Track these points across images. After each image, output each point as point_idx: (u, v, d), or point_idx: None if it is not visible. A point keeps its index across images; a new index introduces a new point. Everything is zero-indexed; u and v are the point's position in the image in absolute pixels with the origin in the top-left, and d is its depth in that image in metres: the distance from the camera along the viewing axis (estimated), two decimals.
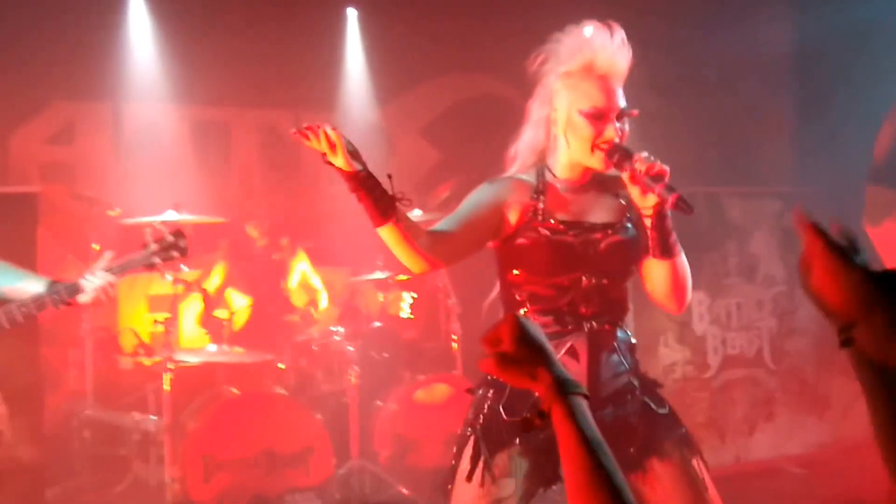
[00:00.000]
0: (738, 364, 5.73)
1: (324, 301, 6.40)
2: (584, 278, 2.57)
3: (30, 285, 3.21)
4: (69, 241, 6.21)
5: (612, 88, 2.54)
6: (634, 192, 2.45)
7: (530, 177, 2.65)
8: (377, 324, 5.88)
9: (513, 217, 2.59)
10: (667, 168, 2.37)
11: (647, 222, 2.50)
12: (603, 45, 2.53)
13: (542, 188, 2.62)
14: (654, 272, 2.58)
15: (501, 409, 2.52)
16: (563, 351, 2.50)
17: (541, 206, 2.60)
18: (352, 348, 5.42)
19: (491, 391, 2.58)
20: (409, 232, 2.44)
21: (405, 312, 6.13)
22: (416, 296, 6.22)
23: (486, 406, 2.56)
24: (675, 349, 5.51)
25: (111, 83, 6.68)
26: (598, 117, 2.51)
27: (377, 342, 5.74)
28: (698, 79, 6.89)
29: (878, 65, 5.51)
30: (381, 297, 6.04)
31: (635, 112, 2.56)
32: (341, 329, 5.56)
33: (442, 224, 2.59)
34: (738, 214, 5.74)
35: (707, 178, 5.87)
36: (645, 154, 2.40)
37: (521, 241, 2.59)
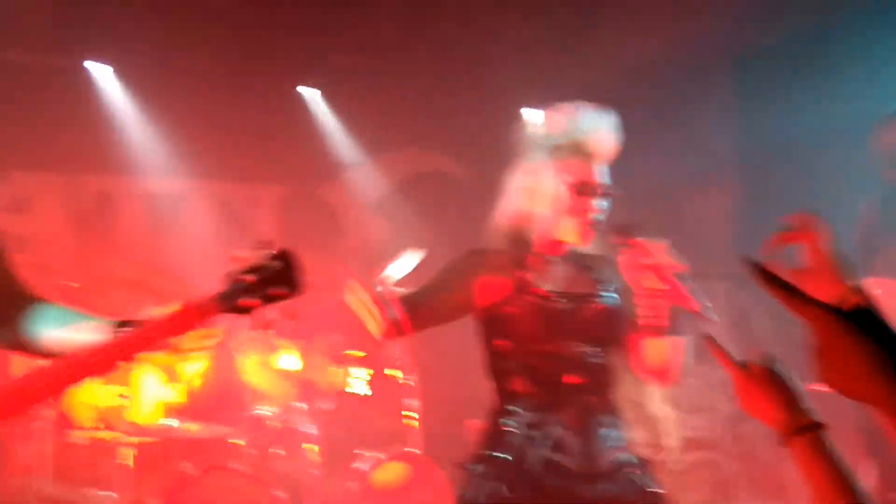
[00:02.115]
0: (696, 447, 5.79)
1: (283, 362, 6.37)
2: (573, 346, 2.62)
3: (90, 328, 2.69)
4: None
5: (600, 167, 2.66)
6: (629, 272, 2.53)
7: (512, 248, 2.70)
8: (335, 401, 5.86)
9: (496, 288, 2.63)
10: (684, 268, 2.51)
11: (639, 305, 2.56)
12: (597, 127, 2.64)
13: (525, 260, 2.68)
14: (651, 347, 2.62)
15: (505, 488, 2.53)
16: (556, 426, 2.54)
17: (527, 276, 2.65)
18: (311, 424, 5.40)
19: (486, 467, 2.59)
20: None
21: (362, 388, 6.12)
22: (372, 372, 6.22)
23: (486, 484, 2.56)
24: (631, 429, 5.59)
25: (71, 156, 6.67)
26: (582, 192, 2.61)
27: (335, 419, 5.72)
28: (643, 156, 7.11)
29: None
30: (337, 372, 6.03)
31: (619, 194, 2.66)
32: (300, 405, 5.53)
33: (419, 292, 2.64)
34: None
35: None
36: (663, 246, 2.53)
37: (508, 308, 2.62)
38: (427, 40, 6.54)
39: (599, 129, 2.64)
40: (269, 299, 2.04)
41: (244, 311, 2.02)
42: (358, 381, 6.12)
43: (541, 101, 7.46)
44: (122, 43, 6.33)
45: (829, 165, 5.52)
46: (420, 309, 2.59)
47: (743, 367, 1.47)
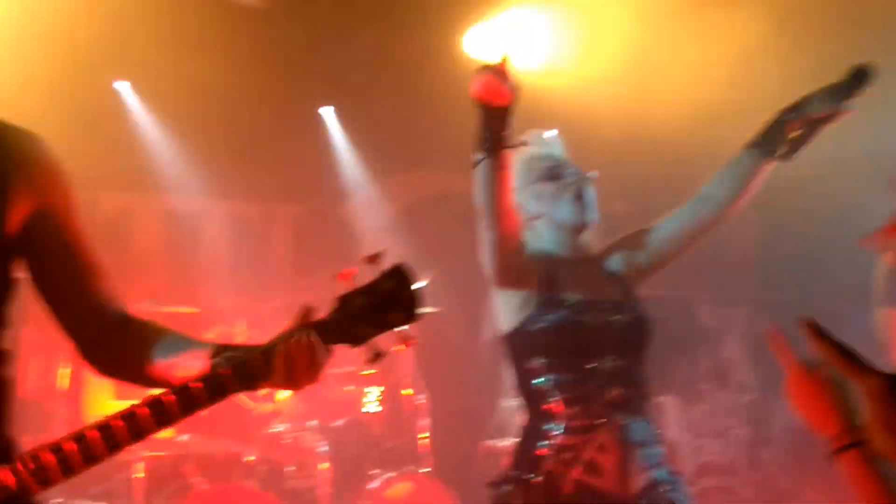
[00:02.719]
0: (714, 472, 5.75)
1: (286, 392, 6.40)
2: (607, 360, 2.59)
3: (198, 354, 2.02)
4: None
5: (556, 157, 2.85)
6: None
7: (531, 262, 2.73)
8: (347, 418, 5.89)
9: (524, 301, 2.64)
10: None
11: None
12: (530, 139, 2.82)
13: (545, 272, 2.69)
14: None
15: None
16: (593, 447, 2.52)
17: (552, 288, 2.65)
18: (322, 442, 5.42)
19: (515, 489, 2.57)
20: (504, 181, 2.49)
21: (374, 406, 6.15)
22: (383, 389, 6.26)
23: None
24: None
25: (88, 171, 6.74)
26: (553, 176, 2.76)
27: (347, 437, 5.74)
28: None
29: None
30: (349, 390, 6.07)
31: (593, 176, 2.79)
32: (312, 423, 5.56)
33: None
34: (711, 319, 5.88)
35: (677, 283, 6.04)
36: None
37: (540, 325, 2.61)
38: (443, 60, 6.59)
39: (543, 141, 2.87)
40: (386, 326, 1.71)
41: (359, 341, 1.69)
42: (370, 399, 6.15)
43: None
44: (143, 61, 6.41)
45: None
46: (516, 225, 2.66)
47: (805, 365, 1.41)
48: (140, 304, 5.10)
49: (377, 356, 1.71)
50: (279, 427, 5.73)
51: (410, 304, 1.71)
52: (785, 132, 2.62)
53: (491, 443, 5.62)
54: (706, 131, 5.27)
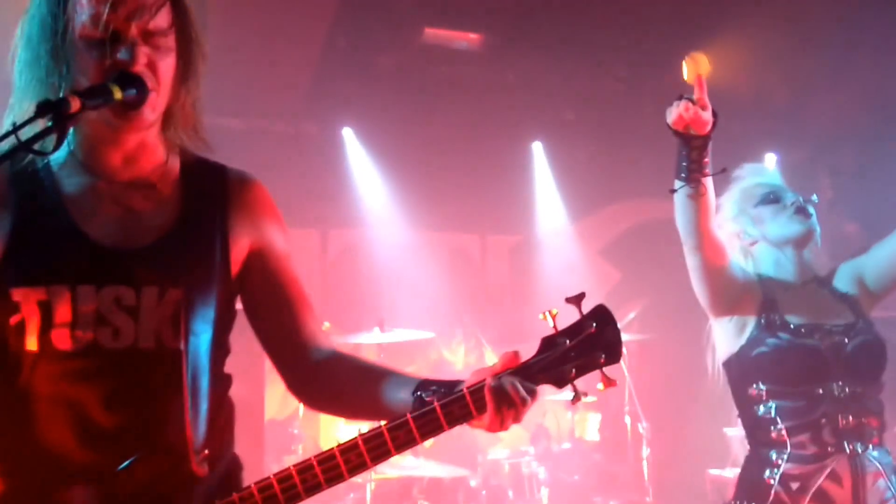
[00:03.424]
0: None
1: None
2: (836, 386, 2.50)
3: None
4: None
5: (774, 183, 2.85)
6: None
7: (754, 286, 2.71)
8: (566, 445, 5.93)
9: (744, 324, 2.62)
10: None
11: None
12: (746, 170, 2.89)
13: (769, 294, 2.65)
14: None
15: None
16: (824, 475, 2.45)
17: (775, 311, 2.60)
18: (542, 469, 5.49)
19: None
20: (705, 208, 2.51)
21: (593, 434, 6.17)
22: (601, 417, 6.26)
23: None
24: None
25: (318, 212, 7.21)
26: (774, 199, 2.77)
27: (566, 464, 5.78)
28: None
29: None
30: (569, 417, 6.11)
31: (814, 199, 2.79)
32: (531, 449, 5.64)
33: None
34: None
35: None
36: None
37: (760, 349, 2.57)
38: (651, 94, 6.58)
39: (761, 171, 2.95)
40: (589, 368, 1.73)
41: (563, 382, 1.73)
42: (588, 425, 6.17)
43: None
44: (366, 110, 6.82)
45: None
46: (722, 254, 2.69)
47: None
48: (369, 331, 5.43)
49: (579, 397, 1.76)
50: (500, 453, 5.87)
51: (613, 346, 1.74)
52: None
53: (716, 472, 5.48)
54: None
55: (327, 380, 1.93)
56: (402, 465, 5.56)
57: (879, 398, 2.58)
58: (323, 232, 7.43)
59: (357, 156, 7.30)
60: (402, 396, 1.78)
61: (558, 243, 7.93)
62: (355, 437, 1.70)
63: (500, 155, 7.39)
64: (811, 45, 6.08)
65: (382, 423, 1.70)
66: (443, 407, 1.69)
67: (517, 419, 1.70)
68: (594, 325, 1.74)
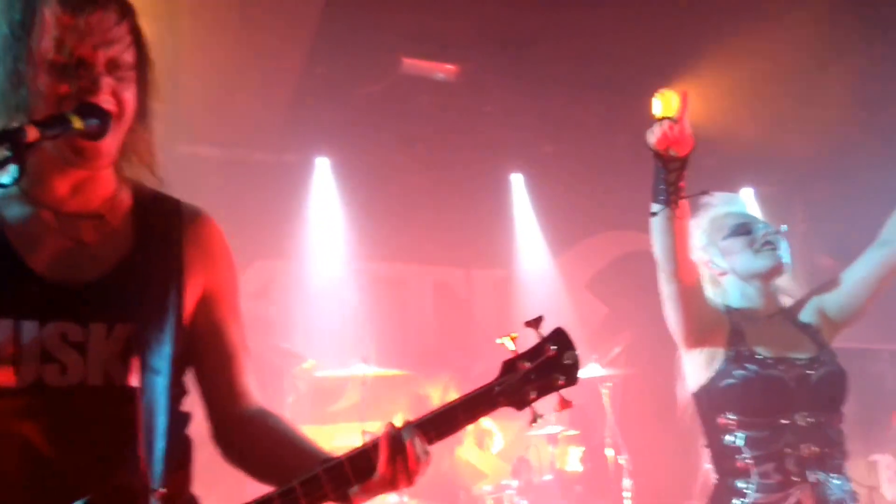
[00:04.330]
0: None
1: (497, 443, 6.52)
2: (799, 416, 2.53)
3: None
4: (265, 394, 6.61)
5: (744, 213, 2.89)
6: None
7: (723, 317, 2.73)
8: (548, 477, 5.93)
9: (712, 356, 2.64)
10: None
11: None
12: (716, 199, 2.91)
13: (737, 327, 2.68)
14: None
15: None
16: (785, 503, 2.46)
17: (743, 344, 2.63)
18: (524, 502, 5.48)
19: None
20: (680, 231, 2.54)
21: (574, 466, 6.18)
22: (584, 449, 6.27)
23: None
24: None
25: (301, 243, 7.23)
26: (744, 231, 2.79)
27: (549, 496, 5.78)
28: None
29: None
30: (551, 450, 6.12)
31: (783, 228, 2.82)
32: (514, 482, 5.64)
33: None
34: None
35: (891, 335, 5.74)
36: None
37: (728, 381, 2.60)
38: (627, 126, 6.68)
39: (730, 200, 2.93)
40: (548, 390, 1.75)
41: (523, 404, 1.75)
42: (571, 458, 6.19)
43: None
44: (344, 140, 6.87)
45: None
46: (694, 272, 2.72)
47: None
48: (352, 366, 5.45)
49: (536, 419, 1.76)
50: (484, 488, 5.87)
51: (571, 368, 1.77)
52: None
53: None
54: None
55: (247, 436, 1.88)
56: (384, 502, 5.54)
57: (840, 428, 2.61)
58: (304, 264, 7.44)
59: (334, 187, 7.33)
60: (309, 466, 1.72)
61: (543, 277, 7.97)
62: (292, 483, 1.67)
63: (478, 186, 7.45)
64: (783, 78, 6.20)
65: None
66: (333, 472, 1.67)
67: (409, 478, 1.69)
68: (553, 347, 1.78)
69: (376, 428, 5.00)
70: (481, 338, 7.63)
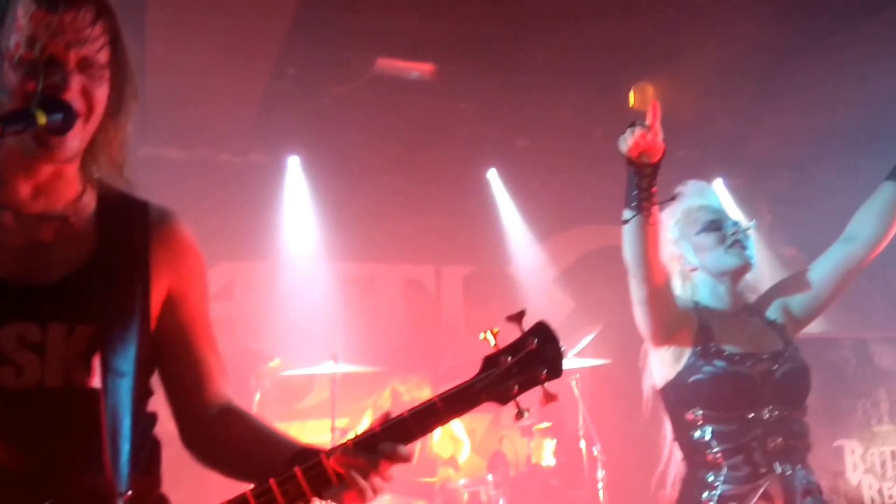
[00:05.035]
0: None
1: (465, 451, 6.56)
2: (766, 411, 2.60)
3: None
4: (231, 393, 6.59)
5: (716, 208, 2.91)
6: None
7: (691, 313, 2.78)
8: (524, 470, 5.98)
9: (680, 352, 2.69)
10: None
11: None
12: (689, 190, 2.94)
13: (704, 324, 2.73)
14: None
15: None
16: (758, 495, 2.52)
17: (710, 340, 2.69)
18: (500, 496, 5.52)
19: None
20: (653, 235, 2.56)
21: (549, 459, 6.23)
22: (556, 441, 6.32)
23: None
24: (831, 499, 5.38)
25: (269, 244, 7.21)
26: (714, 228, 2.82)
27: (524, 489, 5.82)
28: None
29: None
30: (525, 443, 6.17)
31: (749, 226, 2.85)
32: (489, 476, 5.67)
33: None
34: (888, 360, 5.67)
35: (853, 324, 5.85)
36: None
37: (697, 377, 2.65)
38: (602, 120, 6.74)
39: (703, 191, 2.94)
40: (531, 384, 1.72)
41: (506, 399, 1.71)
42: (543, 451, 6.23)
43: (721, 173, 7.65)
44: (317, 140, 6.86)
45: None
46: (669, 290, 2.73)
47: None
48: (321, 364, 5.46)
49: (521, 413, 1.74)
50: (459, 482, 5.90)
51: (554, 361, 1.74)
52: None
53: (667, 493, 5.56)
54: None
55: (217, 437, 1.86)
56: None
57: (804, 420, 2.68)
58: (275, 264, 7.43)
59: (304, 186, 7.32)
60: (279, 463, 1.69)
61: (513, 272, 8.01)
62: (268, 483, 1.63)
63: (454, 183, 7.48)
64: (752, 73, 6.29)
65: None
66: (304, 472, 1.63)
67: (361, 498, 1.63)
68: (535, 341, 1.75)
69: (345, 424, 5.04)
70: (451, 335, 7.67)
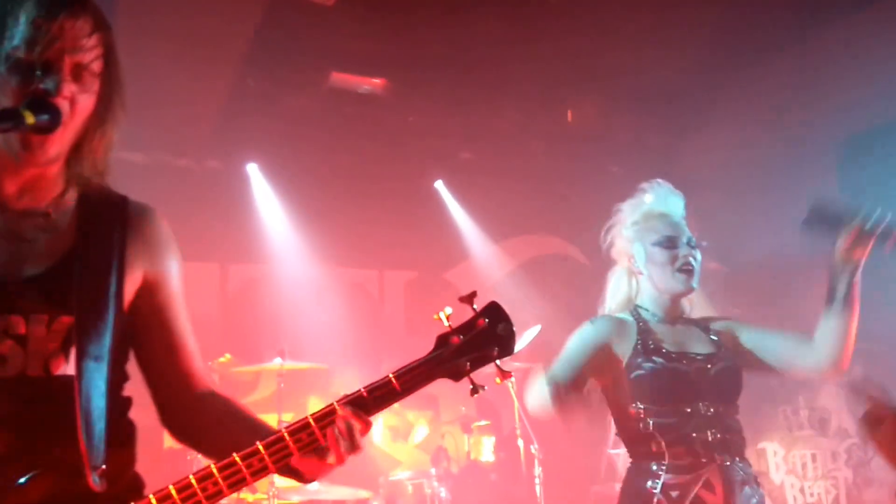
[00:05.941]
0: None
1: (420, 433, 6.73)
2: (702, 405, 2.71)
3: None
4: None
5: (675, 222, 2.96)
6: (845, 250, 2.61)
7: (627, 316, 2.91)
8: (465, 465, 6.21)
9: (622, 352, 2.78)
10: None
11: (847, 273, 2.62)
12: (655, 192, 3.00)
13: (643, 324, 2.86)
14: (837, 326, 2.70)
15: None
16: (699, 484, 2.65)
17: (649, 339, 2.80)
18: (443, 489, 5.76)
19: None
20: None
21: (488, 455, 6.47)
22: (494, 438, 6.57)
23: None
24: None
25: (219, 245, 7.35)
26: (669, 245, 2.89)
27: (465, 484, 6.05)
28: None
29: None
30: (466, 439, 6.40)
31: (704, 245, 2.95)
32: (433, 471, 5.89)
33: (560, 372, 2.72)
34: None
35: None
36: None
37: (638, 373, 2.75)
38: (543, 133, 7.05)
39: (658, 192, 2.99)
40: (484, 361, 1.78)
41: (459, 376, 1.78)
42: (484, 448, 6.47)
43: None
44: (273, 148, 7.03)
45: None
46: (576, 389, 2.71)
47: None
48: (271, 361, 5.65)
49: (476, 390, 1.81)
50: (403, 474, 6.10)
51: (506, 339, 1.79)
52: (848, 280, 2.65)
53: (600, 488, 5.85)
54: None
55: (198, 418, 1.92)
56: (305, 490, 5.61)
57: (737, 417, 2.81)
58: (223, 265, 7.55)
59: (261, 192, 7.47)
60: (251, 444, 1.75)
61: (452, 278, 8.27)
62: (208, 466, 1.70)
63: (401, 192, 7.68)
64: (682, 91, 6.63)
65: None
66: (291, 433, 1.72)
67: (350, 448, 1.74)
68: (486, 320, 1.80)
69: (291, 418, 5.15)
70: (392, 335, 7.90)
